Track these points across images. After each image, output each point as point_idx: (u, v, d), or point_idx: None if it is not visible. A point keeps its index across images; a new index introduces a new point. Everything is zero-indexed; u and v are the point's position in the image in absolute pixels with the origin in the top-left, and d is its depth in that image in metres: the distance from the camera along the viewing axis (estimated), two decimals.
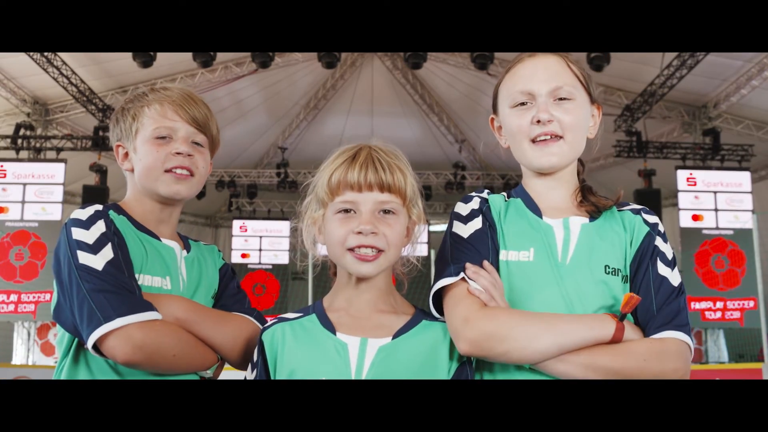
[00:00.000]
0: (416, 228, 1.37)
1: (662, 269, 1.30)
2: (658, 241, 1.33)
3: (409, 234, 1.36)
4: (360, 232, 1.27)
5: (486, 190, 1.46)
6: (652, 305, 1.27)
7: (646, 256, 1.31)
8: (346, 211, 1.29)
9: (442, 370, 1.28)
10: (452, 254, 1.34)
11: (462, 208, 1.41)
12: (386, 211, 1.30)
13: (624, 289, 1.30)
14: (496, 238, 1.36)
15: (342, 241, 1.28)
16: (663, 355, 1.21)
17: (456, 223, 1.39)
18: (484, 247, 1.34)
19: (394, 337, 1.29)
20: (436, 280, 1.33)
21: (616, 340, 1.21)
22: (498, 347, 1.20)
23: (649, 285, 1.29)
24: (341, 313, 1.32)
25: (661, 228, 1.35)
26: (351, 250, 1.28)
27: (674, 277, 1.30)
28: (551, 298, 1.28)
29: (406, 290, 1.43)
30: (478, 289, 1.27)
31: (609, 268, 1.30)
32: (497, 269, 1.32)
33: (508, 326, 1.21)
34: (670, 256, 1.32)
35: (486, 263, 1.31)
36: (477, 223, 1.37)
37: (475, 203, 1.41)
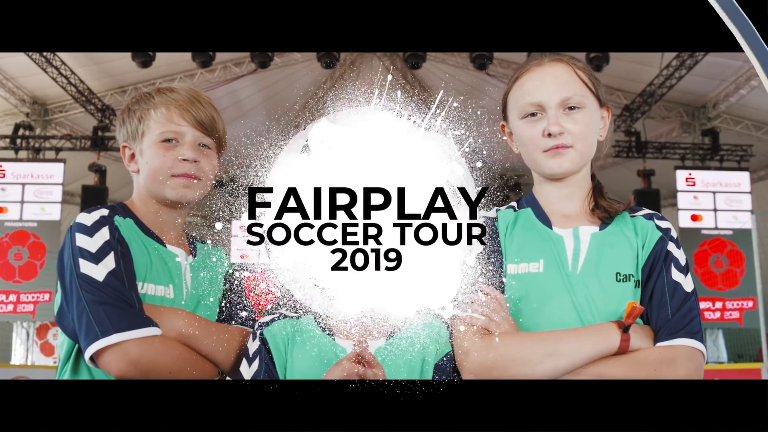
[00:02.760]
0: None
1: (675, 275, 1.29)
2: (671, 247, 1.32)
3: None
4: None
5: (495, 208, 1.46)
6: (665, 311, 1.26)
7: (658, 261, 1.30)
8: None
9: (430, 359, 1.29)
10: None
11: None
12: None
13: (636, 294, 1.29)
14: (501, 258, 1.36)
15: None
16: (674, 363, 1.21)
17: None
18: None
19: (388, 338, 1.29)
20: None
21: (623, 351, 1.21)
22: (502, 375, 1.22)
23: (662, 291, 1.28)
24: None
25: (674, 233, 1.35)
26: None
27: (687, 283, 1.29)
28: (562, 307, 1.29)
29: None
30: (475, 316, 1.28)
31: (620, 275, 1.30)
32: (503, 285, 1.33)
33: (508, 356, 1.22)
34: (683, 262, 1.32)
35: (483, 286, 1.31)
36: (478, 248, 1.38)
37: None
